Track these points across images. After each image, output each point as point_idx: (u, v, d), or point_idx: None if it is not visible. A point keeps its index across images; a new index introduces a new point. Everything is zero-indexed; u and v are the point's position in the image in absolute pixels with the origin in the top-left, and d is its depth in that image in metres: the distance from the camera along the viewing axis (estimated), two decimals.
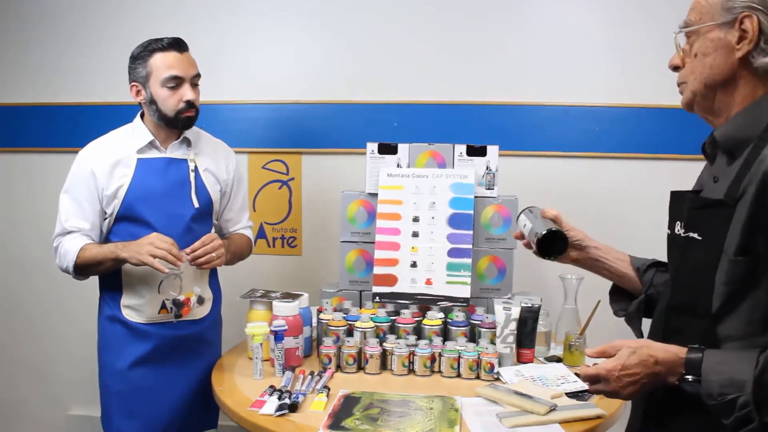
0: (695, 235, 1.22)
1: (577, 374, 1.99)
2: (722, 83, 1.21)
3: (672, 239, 1.31)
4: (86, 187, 2.07)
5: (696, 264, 1.21)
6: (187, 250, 2.02)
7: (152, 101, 2.06)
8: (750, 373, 1.09)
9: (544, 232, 1.53)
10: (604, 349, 1.28)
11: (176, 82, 2.04)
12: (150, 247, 1.93)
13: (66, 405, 3.16)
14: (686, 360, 1.17)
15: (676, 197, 1.31)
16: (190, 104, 2.07)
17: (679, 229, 1.26)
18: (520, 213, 1.69)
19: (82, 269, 2.06)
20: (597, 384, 1.27)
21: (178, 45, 2.06)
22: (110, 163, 2.07)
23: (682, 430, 1.25)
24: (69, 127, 2.95)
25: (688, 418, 1.22)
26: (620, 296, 1.58)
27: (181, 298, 2.11)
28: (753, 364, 1.10)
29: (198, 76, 2.11)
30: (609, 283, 1.65)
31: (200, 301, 2.17)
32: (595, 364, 1.29)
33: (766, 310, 1.14)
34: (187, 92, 2.06)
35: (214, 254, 2.06)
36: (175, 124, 2.09)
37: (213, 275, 2.26)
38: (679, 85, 1.28)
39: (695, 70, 1.23)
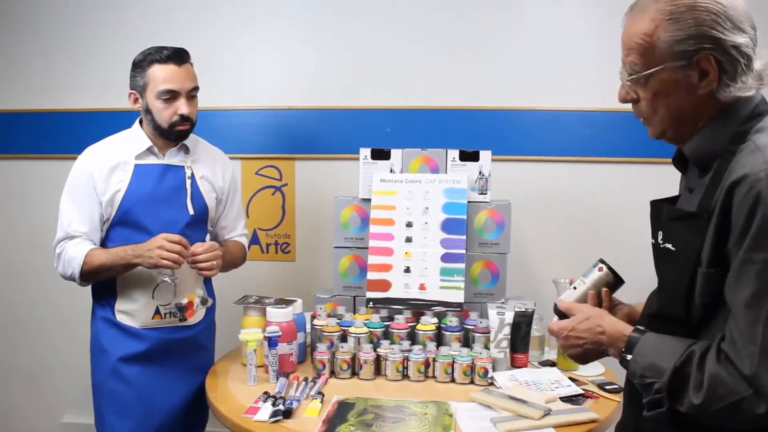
0: (670, 246, 1.24)
1: (572, 379, 2.00)
2: (690, 118, 1.22)
3: (654, 248, 1.32)
4: (86, 190, 2.06)
5: (672, 275, 1.23)
6: (188, 252, 2.02)
7: (148, 111, 2.07)
8: (671, 363, 1.15)
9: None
10: (570, 307, 1.40)
11: (171, 95, 2.04)
12: (160, 251, 1.95)
13: (59, 412, 3.14)
14: (628, 338, 1.24)
15: (655, 207, 1.32)
16: (185, 118, 2.07)
17: (660, 238, 1.28)
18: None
19: (88, 275, 2.05)
20: (556, 338, 1.37)
21: (177, 57, 2.05)
22: (109, 167, 2.07)
23: None
24: (64, 133, 2.93)
25: None
26: None
27: (184, 301, 2.11)
28: (677, 355, 1.15)
29: (195, 88, 2.11)
30: None
31: (204, 302, 2.18)
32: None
33: None
34: (182, 106, 2.05)
35: (213, 263, 2.06)
36: (168, 136, 2.10)
37: (207, 280, 2.26)
38: (639, 117, 1.28)
39: (658, 110, 1.22)
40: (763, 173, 1.07)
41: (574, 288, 1.51)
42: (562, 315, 1.51)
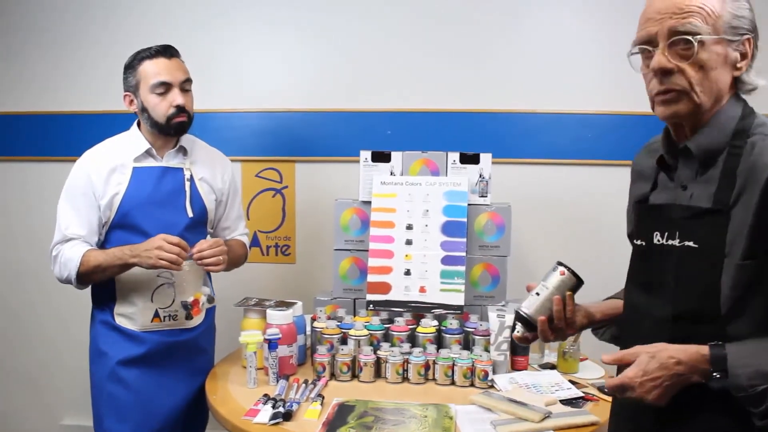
0: (692, 244, 1.25)
1: (572, 382, 2.00)
2: (718, 96, 1.25)
3: (650, 249, 1.34)
4: (84, 194, 2.06)
5: (698, 271, 1.24)
6: (194, 249, 2.02)
7: (144, 109, 2.06)
8: None
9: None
10: (622, 357, 1.29)
11: (165, 87, 2.04)
12: (159, 252, 1.94)
13: (59, 415, 3.14)
14: (711, 357, 1.19)
15: (651, 208, 1.36)
16: (181, 109, 2.06)
17: (659, 238, 1.31)
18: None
19: (84, 277, 2.04)
20: (624, 392, 1.28)
21: (165, 51, 2.06)
22: (107, 170, 2.06)
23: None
24: (64, 135, 2.94)
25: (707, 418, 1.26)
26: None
27: (190, 299, 2.10)
28: None
29: (188, 81, 2.10)
30: (603, 291, 1.66)
31: (210, 300, 2.17)
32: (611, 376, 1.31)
33: None
34: (176, 97, 2.05)
35: (220, 257, 2.06)
36: (168, 131, 2.08)
37: (208, 282, 2.26)
38: (671, 91, 1.25)
39: (702, 83, 1.23)
40: None
41: (537, 294, 1.47)
42: (525, 322, 1.46)
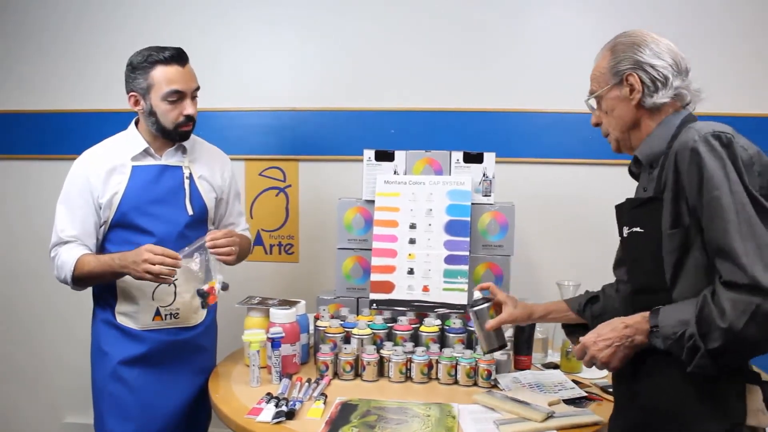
0: (638, 229, 1.49)
1: (575, 381, 2.00)
2: (631, 125, 1.55)
3: (621, 240, 1.58)
4: (82, 195, 2.05)
5: (645, 250, 1.47)
6: (207, 237, 2.02)
7: (151, 113, 2.05)
8: (693, 313, 1.34)
9: (490, 349, 1.87)
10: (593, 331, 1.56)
11: (178, 96, 2.02)
12: (146, 265, 1.90)
13: (61, 413, 3.14)
14: (650, 317, 1.43)
15: (619, 207, 1.58)
16: (189, 118, 2.06)
17: (625, 230, 1.53)
18: (470, 308, 1.88)
19: (80, 281, 2.04)
20: (583, 354, 1.52)
21: (180, 58, 2.03)
22: (105, 170, 2.06)
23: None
24: (63, 134, 2.95)
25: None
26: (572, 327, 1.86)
27: (205, 287, 2.07)
28: (694, 305, 1.35)
29: (198, 88, 2.10)
30: None
31: (224, 287, 2.11)
32: None
33: (704, 267, 1.38)
34: (187, 107, 2.04)
35: (232, 248, 2.05)
36: (173, 137, 2.08)
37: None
38: (605, 136, 1.62)
39: (611, 124, 1.58)
40: (696, 137, 1.37)
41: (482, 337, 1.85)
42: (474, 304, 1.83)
